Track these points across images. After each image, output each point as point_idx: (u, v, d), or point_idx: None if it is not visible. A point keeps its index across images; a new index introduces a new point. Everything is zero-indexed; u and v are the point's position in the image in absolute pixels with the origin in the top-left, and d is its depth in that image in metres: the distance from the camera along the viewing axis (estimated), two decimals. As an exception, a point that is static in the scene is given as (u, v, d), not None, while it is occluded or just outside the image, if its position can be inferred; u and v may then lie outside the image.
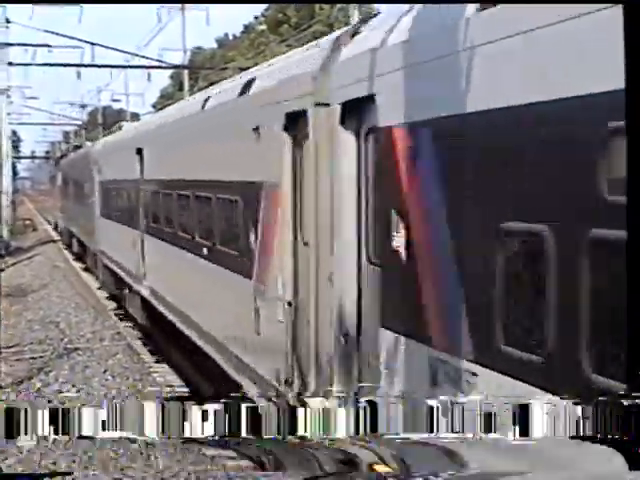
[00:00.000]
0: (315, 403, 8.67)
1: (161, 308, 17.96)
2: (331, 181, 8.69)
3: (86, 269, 36.79)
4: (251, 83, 11.63)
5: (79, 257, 40.92)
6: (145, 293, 19.93)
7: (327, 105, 8.69)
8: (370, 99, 7.64)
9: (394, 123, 7.12)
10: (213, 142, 13.38)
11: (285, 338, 9.93)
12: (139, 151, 20.19)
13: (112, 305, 26.91)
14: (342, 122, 8.36)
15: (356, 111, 8.21)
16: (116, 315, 24.84)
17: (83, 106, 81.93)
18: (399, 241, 7.08)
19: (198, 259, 14.25)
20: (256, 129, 10.78)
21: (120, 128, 30.60)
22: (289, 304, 9.92)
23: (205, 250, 13.76)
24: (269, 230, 10.56)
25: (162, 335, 19.64)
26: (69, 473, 11.06)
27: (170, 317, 16.87)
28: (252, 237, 11.14)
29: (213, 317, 13.55)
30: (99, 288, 30.59)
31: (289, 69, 10.27)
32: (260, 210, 10.81)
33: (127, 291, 23.89)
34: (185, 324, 15.47)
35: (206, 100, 14.33)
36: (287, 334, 9.92)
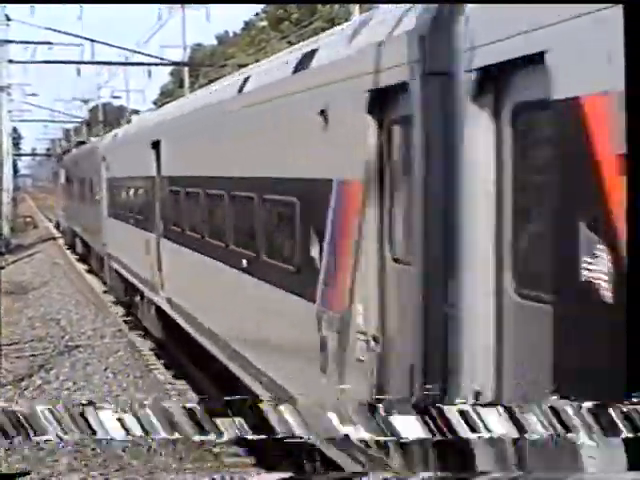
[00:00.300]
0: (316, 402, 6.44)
1: (182, 322, 15.18)
2: (446, 178, 6.14)
3: (90, 271, 34.11)
4: (312, 55, 8.98)
5: (83, 258, 38.02)
6: (162, 304, 17.17)
7: (444, 75, 6.13)
8: (534, 60, 5.06)
9: (600, 92, 4.54)
10: (256, 131, 10.67)
11: (367, 382, 7.38)
12: (155, 145, 17.13)
13: (120, 310, 24.44)
14: (475, 96, 5.78)
15: (502, 79, 5.64)
16: (125, 322, 22.31)
17: (85, 101, 79.07)
18: (599, 270, 4.51)
19: (233, 271, 11.51)
20: (322, 112, 8.19)
21: (129, 122, 27.74)
22: (374, 339, 7.37)
23: (244, 262, 11.04)
24: (341, 241, 7.98)
25: (181, 349, 17.00)
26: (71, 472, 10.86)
27: (194, 334, 14.13)
28: (315, 249, 8.54)
29: (253, 341, 10.85)
30: (105, 292, 27.91)
31: (371, 34, 7.65)
32: (328, 215, 8.20)
33: (139, 298, 21.12)
34: (215, 345, 12.79)
35: (245, 81, 11.58)
36: (370, 377, 7.37)
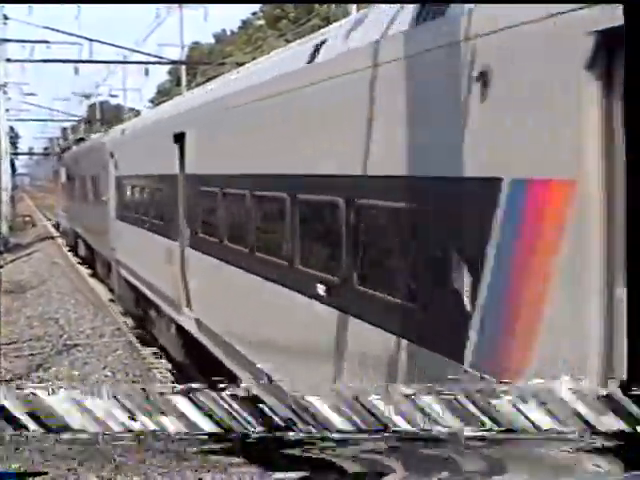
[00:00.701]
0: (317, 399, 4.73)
1: (219, 353, 11.82)
2: None
3: (93, 275, 31.07)
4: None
5: (85, 262, 34.84)
6: (187, 324, 13.97)
7: None
8: None
9: None
10: (344, 111, 7.51)
11: None
12: (179, 138, 13.94)
13: (128, 321, 21.70)
14: None
15: None
16: (135, 336, 19.36)
17: (87, 96, 76.02)
18: None
19: (305, 300, 8.35)
20: (481, 77, 5.23)
21: (137, 115, 24.53)
22: None
23: (321, 288, 7.94)
24: (521, 271, 5.01)
25: (209, 375, 13.86)
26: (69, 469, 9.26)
27: (237, 372, 10.86)
28: (461, 280, 5.56)
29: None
30: (112, 300, 24.86)
31: None
32: (489, 231, 5.23)
33: (155, 313, 17.92)
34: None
35: (317, 48, 8.39)
36: None
